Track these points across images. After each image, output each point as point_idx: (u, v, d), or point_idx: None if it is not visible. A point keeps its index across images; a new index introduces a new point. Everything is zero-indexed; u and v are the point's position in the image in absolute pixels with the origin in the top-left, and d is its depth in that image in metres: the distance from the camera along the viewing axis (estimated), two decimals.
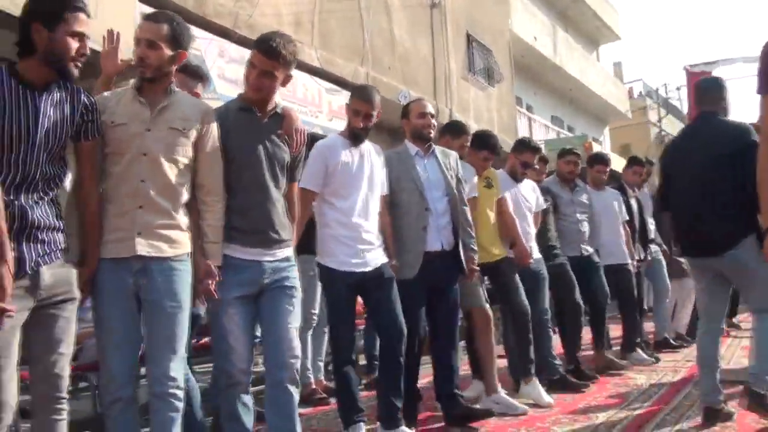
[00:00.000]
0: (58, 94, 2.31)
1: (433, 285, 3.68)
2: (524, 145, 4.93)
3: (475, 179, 4.33)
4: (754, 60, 14.24)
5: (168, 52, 2.54)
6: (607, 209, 5.69)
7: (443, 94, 12.75)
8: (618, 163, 19.03)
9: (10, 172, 2.18)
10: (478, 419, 3.77)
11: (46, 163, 2.25)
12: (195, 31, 7.68)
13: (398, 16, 11.61)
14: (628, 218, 5.92)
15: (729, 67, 14.56)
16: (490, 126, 14.46)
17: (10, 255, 2.05)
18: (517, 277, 4.46)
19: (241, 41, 8.17)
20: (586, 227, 5.40)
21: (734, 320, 7.53)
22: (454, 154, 4.03)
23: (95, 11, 6.19)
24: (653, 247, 6.39)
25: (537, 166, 5.18)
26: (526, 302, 4.40)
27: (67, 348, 2.31)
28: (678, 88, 26.81)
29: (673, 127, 28.71)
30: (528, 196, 4.88)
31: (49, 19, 2.21)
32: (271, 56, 2.73)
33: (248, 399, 2.75)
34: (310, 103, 9.38)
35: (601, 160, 5.96)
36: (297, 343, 2.77)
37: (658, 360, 5.71)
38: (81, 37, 2.26)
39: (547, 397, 4.27)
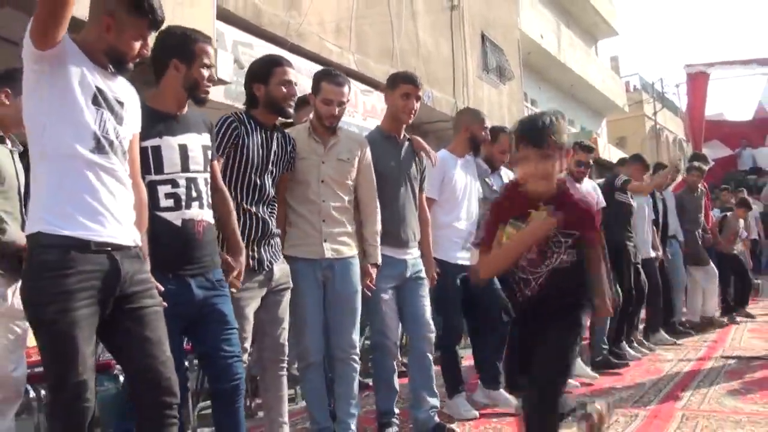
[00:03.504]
0: (279, 135, 3.08)
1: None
2: (578, 146, 5.41)
3: None
4: (750, 64, 15.14)
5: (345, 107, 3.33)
6: (641, 209, 6.48)
7: (461, 93, 13.50)
8: (615, 155, 19.90)
9: (253, 189, 2.95)
10: None
11: (271, 186, 3.02)
12: (252, 40, 8.42)
13: (423, 20, 12.33)
14: (654, 218, 6.72)
15: (726, 70, 15.40)
16: (501, 121, 15.22)
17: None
18: None
19: (293, 49, 8.89)
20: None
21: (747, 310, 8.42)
22: (512, 174, 4.77)
23: None
24: (674, 243, 7.21)
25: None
26: None
27: (286, 323, 3.08)
28: (677, 86, 27.64)
29: (668, 121, 29.64)
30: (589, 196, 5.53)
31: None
32: (417, 84, 3.60)
33: (395, 366, 3.55)
34: (348, 104, 10.10)
35: (638, 158, 6.68)
36: (431, 322, 3.60)
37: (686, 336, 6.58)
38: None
39: (591, 372, 4.99)
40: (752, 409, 3.92)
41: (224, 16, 7.79)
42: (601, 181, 6.34)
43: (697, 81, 14.82)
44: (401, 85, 3.61)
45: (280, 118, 3.12)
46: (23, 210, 2.86)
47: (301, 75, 9.12)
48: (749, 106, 67.09)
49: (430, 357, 3.61)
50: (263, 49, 8.51)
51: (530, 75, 19.22)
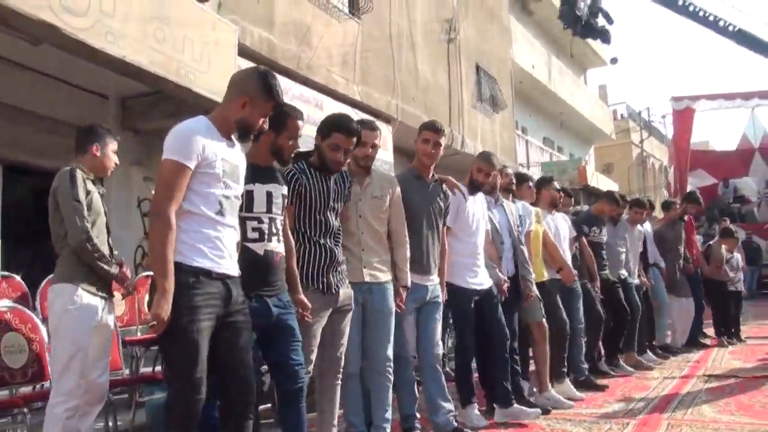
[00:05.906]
0: (337, 175, 3.53)
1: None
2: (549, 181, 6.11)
3: (533, 215, 5.49)
4: (734, 98, 15.89)
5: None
6: (633, 245, 7.08)
7: (456, 122, 14.09)
8: (602, 182, 20.55)
9: (318, 225, 3.41)
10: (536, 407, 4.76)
11: (335, 220, 3.49)
12: None
13: (421, 52, 12.94)
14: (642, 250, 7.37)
15: (711, 102, 16.13)
16: (493, 148, 15.80)
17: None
18: (558, 296, 5.57)
19: (303, 81, 9.44)
20: (624, 255, 6.86)
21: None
22: (516, 205, 5.25)
23: (208, 67, 7.43)
24: (655, 270, 7.79)
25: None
26: (566, 318, 5.53)
27: (345, 339, 3.53)
28: (663, 116, 28.47)
29: (654, 149, 30.44)
30: (561, 226, 5.97)
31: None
32: (439, 132, 4.14)
33: (414, 376, 4.05)
34: None
35: (638, 203, 7.39)
36: (440, 340, 4.14)
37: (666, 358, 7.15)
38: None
39: (578, 393, 5.32)
40: (729, 419, 4.42)
41: (243, 51, 8.31)
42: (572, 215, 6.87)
43: (683, 115, 15.53)
44: (422, 132, 4.21)
45: None
46: (109, 242, 3.37)
47: (309, 105, 9.73)
48: (734, 135, 68.64)
49: (439, 368, 4.11)
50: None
51: (521, 104, 19.91)
